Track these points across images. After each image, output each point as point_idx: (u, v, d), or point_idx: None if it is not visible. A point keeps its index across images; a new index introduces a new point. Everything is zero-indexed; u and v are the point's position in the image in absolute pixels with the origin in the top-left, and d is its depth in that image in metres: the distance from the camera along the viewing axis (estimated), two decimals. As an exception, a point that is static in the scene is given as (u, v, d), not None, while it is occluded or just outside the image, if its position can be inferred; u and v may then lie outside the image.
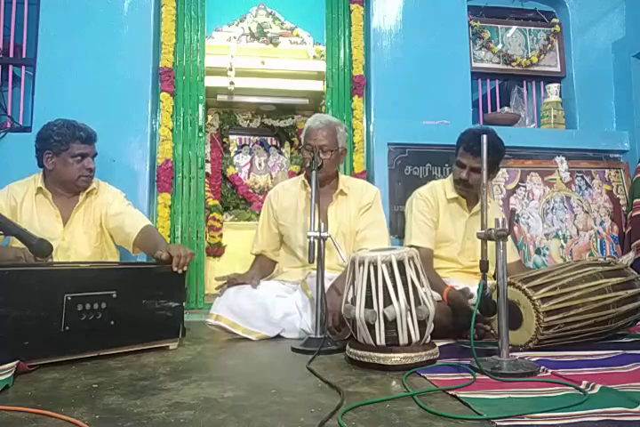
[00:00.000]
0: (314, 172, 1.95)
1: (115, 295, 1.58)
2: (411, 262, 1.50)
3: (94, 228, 2.14)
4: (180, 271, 1.74)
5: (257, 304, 1.94)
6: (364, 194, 2.24)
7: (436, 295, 1.74)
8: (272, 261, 2.31)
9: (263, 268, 2.25)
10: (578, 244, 2.99)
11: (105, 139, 2.48)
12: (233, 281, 2.00)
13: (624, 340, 1.84)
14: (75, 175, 2.06)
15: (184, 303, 1.82)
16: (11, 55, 2.80)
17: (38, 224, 2.04)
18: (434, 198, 2.30)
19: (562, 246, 2.97)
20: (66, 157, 2.05)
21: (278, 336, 1.95)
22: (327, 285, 1.88)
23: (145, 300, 1.67)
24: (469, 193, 2.30)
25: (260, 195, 3.73)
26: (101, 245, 2.17)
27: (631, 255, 2.42)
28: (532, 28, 3.37)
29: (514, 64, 3.27)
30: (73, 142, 2.05)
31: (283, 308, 1.97)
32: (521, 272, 1.97)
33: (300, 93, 3.61)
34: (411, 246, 2.20)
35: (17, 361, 1.33)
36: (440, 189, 2.33)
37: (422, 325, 1.48)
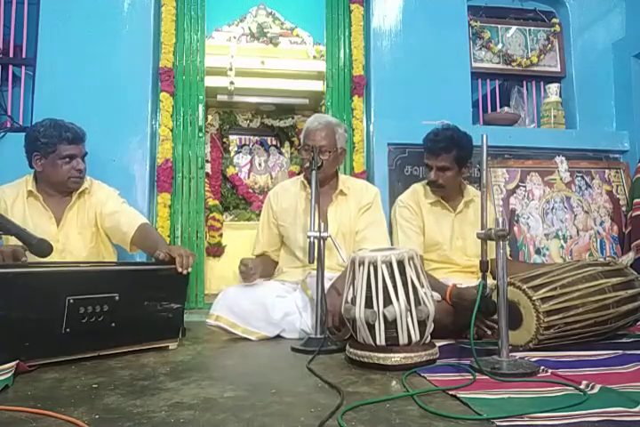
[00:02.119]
0: (314, 172, 1.95)
1: (117, 298, 1.57)
2: (411, 262, 1.50)
3: (89, 228, 2.12)
4: (184, 272, 1.72)
5: (257, 304, 1.94)
6: (364, 194, 2.24)
7: (436, 295, 1.74)
8: (273, 262, 2.31)
9: (265, 268, 2.24)
10: (578, 244, 2.99)
11: (105, 139, 2.50)
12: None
13: (624, 340, 1.84)
14: (64, 177, 2.05)
15: (184, 304, 1.82)
16: (11, 55, 2.80)
17: (32, 227, 2.00)
18: (416, 204, 2.29)
19: (562, 246, 2.97)
20: (54, 158, 2.03)
21: (278, 336, 1.95)
22: (327, 285, 1.88)
23: (147, 302, 1.66)
24: (448, 193, 2.30)
25: (260, 195, 3.72)
26: (97, 245, 2.16)
27: (631, 255, 2.42)
28: (532, 28, 3.36)
29: (514, 64, 3.27)
30: (60, 144, 2.02)
31: (283, 308, 1.97)
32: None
33: (300, 93, 3.60)
34: None
35: (17, 361, 1.33)
36: (421, 193, 2.33)
37: (422, 325, 1.48)
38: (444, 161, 2.19)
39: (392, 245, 2.32)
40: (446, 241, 2.26)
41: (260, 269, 2.03)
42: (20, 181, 2.12)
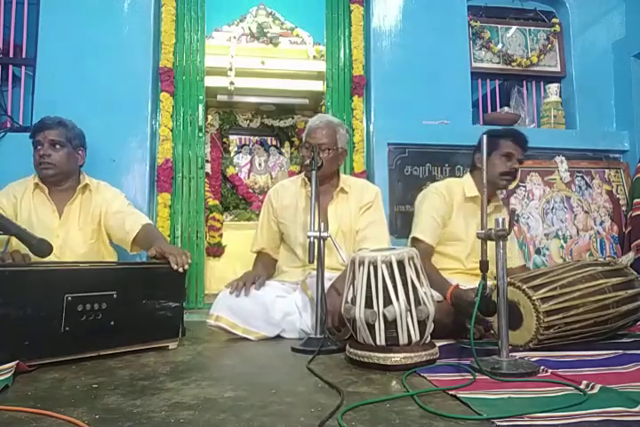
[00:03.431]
0: (314, 172, 1.95)
1: (115, 296, 1.58)
2: (410, 262, 1.50)
3: (90, 225, 2.15)
4: (180, 270, 1.72)
5: (257, 304, 1.94)
6: (365, 193, 2.24)
7: (436, 295, 1.74)
8: (273, 260, 2.31)
9: (266, 266, 2.25)
10: (578, 244, 2.99)
11: (105, 139, 2.50)
12: (240, 284, 1.97)
13: (624, 340, 1.84)
14: (36, 164, 2.10)
15: (184, 303, 1.82)
16: (11, 55, 2.81)
17: (36, 219, 2.06)
18: (449, 195, 2.27)
19: (562, 246, 2.97)
20: (33, 150, 2.12)
21: (278, 336, 1.95)
22: (327, 285, 1.88)
23: (145, 300, 1.66)
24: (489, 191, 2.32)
25: (260, 195, 3.73)
26: (97, 242, 2.18)
27: (631, 255, 2.42)
28: (532, 28, 3.37)
29: (514, 64, 3.27)
30: (33, 134, 2.12)
31: (282, 308, 1.97)
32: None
33: (300, 93, 3.61)
34: (414, 238, 2.19)
35: (17, 361, 1.33)
36: (457, 188, 2.30)
37: (422, 325, 1.48)
38: (522, 155, 2.25)
39: (412, 228, 2.31)
40: (469, 239, 2.25)
41: (264, 276, 2.09)
42: (28, 178, 2.17)
